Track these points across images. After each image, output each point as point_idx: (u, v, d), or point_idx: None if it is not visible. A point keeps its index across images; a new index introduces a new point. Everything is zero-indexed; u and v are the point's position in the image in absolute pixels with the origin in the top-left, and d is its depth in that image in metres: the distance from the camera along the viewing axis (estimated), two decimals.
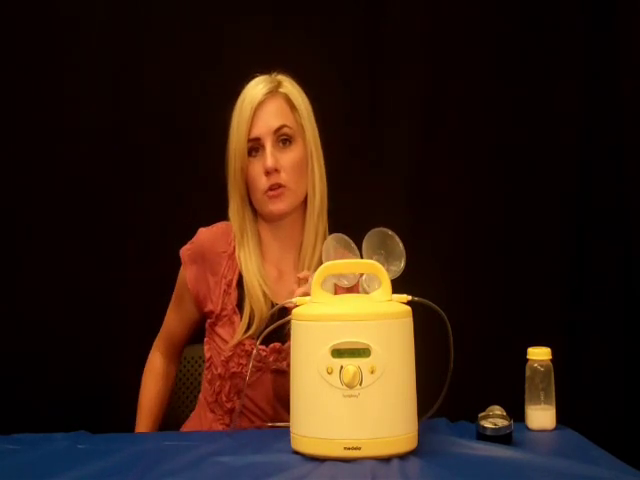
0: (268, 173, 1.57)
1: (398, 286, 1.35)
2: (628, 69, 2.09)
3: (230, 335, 1.58)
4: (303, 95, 1.64)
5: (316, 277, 1.32)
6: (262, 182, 1.58)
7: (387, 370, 1.23)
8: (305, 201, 1.63)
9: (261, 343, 1.51)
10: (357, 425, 1.23)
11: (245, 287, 1.60)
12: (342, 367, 1.23)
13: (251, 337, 1.57)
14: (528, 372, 1.47)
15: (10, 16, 2.03)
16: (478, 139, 2.11)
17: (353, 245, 1.44)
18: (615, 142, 2.11)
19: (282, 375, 1.55)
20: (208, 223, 1.68)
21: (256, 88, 1.60)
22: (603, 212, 2.11)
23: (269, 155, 1.57)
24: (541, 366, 1.46)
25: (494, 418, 1.38)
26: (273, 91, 1.60)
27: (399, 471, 1.18)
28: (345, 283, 1.44)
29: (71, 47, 2.04)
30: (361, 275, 1.44)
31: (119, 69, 2.06)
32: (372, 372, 1.22)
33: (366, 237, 1.42)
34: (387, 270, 1.34)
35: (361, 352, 1.23)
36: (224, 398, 1.59)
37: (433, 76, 2.11)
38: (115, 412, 1.86)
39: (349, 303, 1.33)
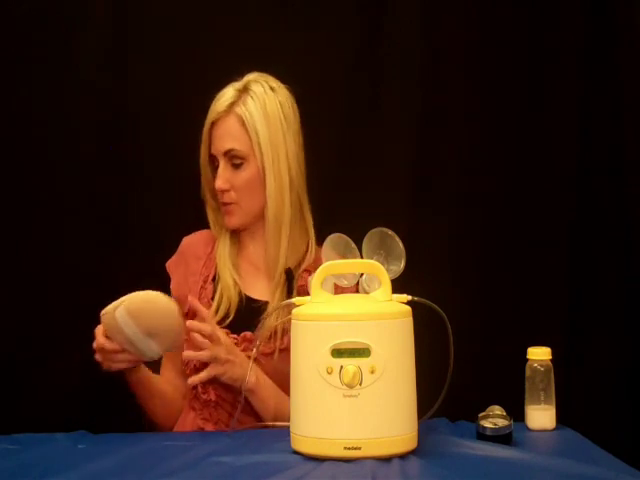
0: (219, 191, 1.66)
1: (398, 286, 1.35)
2: (629, 67, 2.08)
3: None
4: (267, 106, 1.65)
5: (316, 277, 1.32)
6: (219, 198, 1.69)
7: (387, 370, 1.23)
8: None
9: (232, 332, 1.62)
10: (357, 425, 1.23)
11: (217, 275, 1.68)
12: (342, 367, 1.23)
13: (220, 324, 1.62)
14: (528, 372, 1.47)
15: (9, 15, 2.03)
16: (478, 139, 2.11)
17: (353, 245, 1.44)
18: (615, 141, 2.10)
19: (254, 362, 1.57)
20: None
21: (217, 102, 1.67)
22: (603, 212, 2.11)
23: (220, 176, 1.66)
24: (541, 366, 1.46)
25: (494, 418, 1.38)
26: (227, 110, 1.65)
27: (399, 471, 1.18)
28: (345, 283, 1.44)
29: (68, 46, 2.04)
30: (361, 275, 1.44)
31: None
32: (372, 372, 1.23)
33: (366, 237, 1.43)
34: (387, 270, 1.34)
35: (361, 352, 1.23)
36: (200, 389, 1.62)
37: (434, 76, 2.11)
38: (115, 412, 1.86)
39: (349, 303, 1.34)
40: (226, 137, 1.65)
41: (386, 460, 1.22)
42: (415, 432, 1.28)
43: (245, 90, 1.67)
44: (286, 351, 1.52)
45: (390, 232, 1.43)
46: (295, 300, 1.36)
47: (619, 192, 2.10)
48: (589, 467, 1.20)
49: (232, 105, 1.65)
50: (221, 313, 1.64)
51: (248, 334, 1.62)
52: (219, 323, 1.63)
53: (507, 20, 2.11)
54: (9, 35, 2.02)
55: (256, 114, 1.65)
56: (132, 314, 1.49)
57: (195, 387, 1.63)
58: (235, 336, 1.61)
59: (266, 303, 1.65)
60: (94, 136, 2.05)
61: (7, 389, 1.99)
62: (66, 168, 2.04)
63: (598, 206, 2.11)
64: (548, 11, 2.11)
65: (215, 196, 1.70)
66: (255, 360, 1.55)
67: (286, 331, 1.58)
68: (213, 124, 1.66)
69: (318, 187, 2.07)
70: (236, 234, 1.73)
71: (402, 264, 1.42)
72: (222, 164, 1.66)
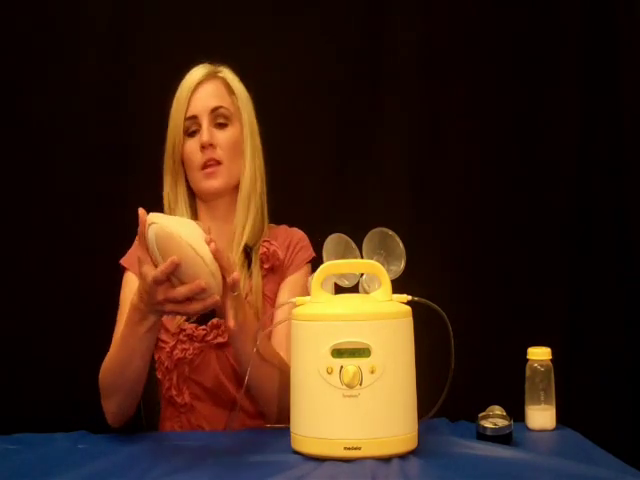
0: (204, 148, 1.61)
1: (398, 286, 1.35)
2: (629, 68, 2.08)
3: (174, 324, 1.58)
4: (240, 83, 1.68)
5: (316, 277, 1.32)
6: (198, 158, 1.62)
7: (387, 370, 1.23)
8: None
9: (200, 322, 1.57)
10: (357, 425, 1.23)
11: None
12: (342, 367, 1.23)
13: (188, 320, 1.58)
14: (528, 372, 1.47)
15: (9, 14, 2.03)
16: (478, 140, 2.11)
17: (353, 245, 1.44)
18: (615, 142, 2.10)
19: (224, 348, 1.56)
20: None
21: (196, 72, 1.65)
22: (603, 212, 2.11)
23: (205, 130, 1.62)
24: (541, 366, 1.46)
25: (494, 418, 1.38)
26: (212, 74, 1.66)
27: (399, 471, 1.18)
28: (346, 283, 1.44)
29: (68, 44, 2.04)
30: (361, 275, 1.44)
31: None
32: (372, 372, 1.23)
33: (366, 237, 1.43)
34: (387, 270, 1.34)
35: (361, 352, 1.23)
36: (174, 392, 1.59)
37: (434, 76, 2.11)
38: None
39: (349, 303, 1.33)
40: (213, 97, 1.64)
41: (386, 460, 1.22)
42: (415, 432, 1.28)
43: (217, 66, 1.68)
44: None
45: (390, 232, 1.43)
46: (295, 300, 1.36)
47: (619, 192, 2.10)
48: (589, 467, 1.20)
49: (214, 71, 1.66)
50: None
51: (215, 320, 1.57)
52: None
53: (507, 20, 2.11)
54: (8, 32, 2.03)
55: (237, 82, 1.67)
56: (157, 241, 1.27)
57: (169, 388, 1.59)
58: (203, 327, 1.57)
59: None
60: (95, 132, 2.05)
61: (7, 389, 2.00)
62: (67, 169, 2.04)
63: (598, 206, 2.11)
64: (548, 11, 2.11)
65: (188, 162, 1.63)
66: (224, 345, 1.54)
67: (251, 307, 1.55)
68: (195, 88, 1.63)
69: (318, 187, 2.08)
70: (195, 213, 1.68)
71: (402, 264, 1.42)
72: (205, 123, 1.62)
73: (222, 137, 1.63)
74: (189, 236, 1.25)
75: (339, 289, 1.46)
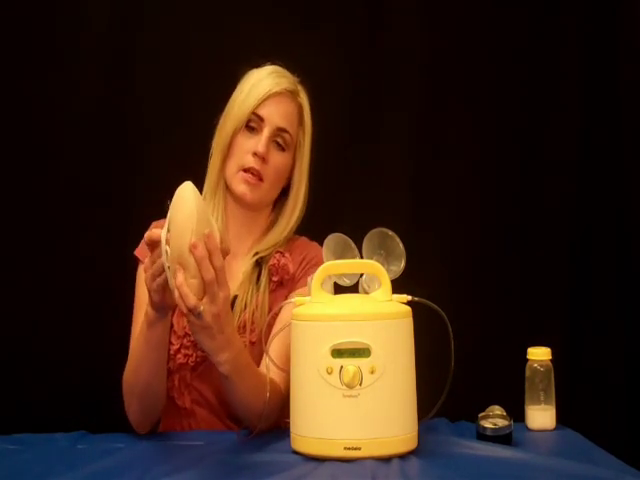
0: (256, 155, 1.58)
1: (398, 286, 1.35)
2: (629, 68, 2.09)
3: (180, 326, 1.56)
4: (310, 110, 1.67)
5: (316, 277, 1.32)
6: (245, 160, 1.59)
7: (387, 370, 1.23)
8: (273, 206, 1.68)
9: None
10: (357, 425, 1.23)
11: None
12: (342, 367, 1.23)
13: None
14: (528, 372, 1.47)
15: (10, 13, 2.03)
16: (478, 140, 2.11)
17: (353, 245, 1.44)
18: (615, 141, 2.10)
19: None
20: None
21: (280, 78, 1.62)
22: (604, 212, 2.11)
23: (264, 141, 1.58)
24: (541, 366, 1.46)
25: (494, 418, 1.38)
26: (293, 93, 1.63)
27: (399, 471, 1.18)
28: (347, 282, 1.44)
29: (70, 39, 2.04)
30: (361, 275, 1.44)
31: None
32: (372, 372, 1.23)
33: (366, 237, 1.42)
34: (387, 270, 1.34)
35: (361, 352, 1.23)
36: (175, 394, 1.57)
37: (434, 76, 2.11)
38: (115, 412, 1.86)
39: (349, 303, 1.34)
40: (285, 117, 1.61)
41: (386, 460, 1.22)
42: (415, 432, 1.28)
43: (298, 89, 1.65)
44: (257, 343, 1.52)
45: (390, 232, 1.43)
46: (295, 300, 1.36)
47: (619, 193, 2.10)
48: (589, 467, 1.20)
49: (296, 93, 1.64)
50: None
51: None
52: None
53: (507, 20, 2.11)
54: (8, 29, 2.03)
55: (309, 114, 1.66)
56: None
57: (171, 389, 1.57)
58: None
59: (235, 297, 1.58)
60: (94, 132, 2.05)
61: (7, 389, 2.00)
62: (67, 168, 2.04)
63: (598, 206, 2.12)
64: (548, 11, 2.11)
65: (234, 152, 1.60)
66: None
67: (256, 325, 1.56)
68: (276, 94, 1.60)
69: (318, 187, 2.08)
70: (225, 207, 1.64)
71: (402, 264, 1.42)
72: (267, 134, 1.58)
73: (276, 159, 1.60)
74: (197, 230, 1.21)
75: (339, 289, 1.46)
